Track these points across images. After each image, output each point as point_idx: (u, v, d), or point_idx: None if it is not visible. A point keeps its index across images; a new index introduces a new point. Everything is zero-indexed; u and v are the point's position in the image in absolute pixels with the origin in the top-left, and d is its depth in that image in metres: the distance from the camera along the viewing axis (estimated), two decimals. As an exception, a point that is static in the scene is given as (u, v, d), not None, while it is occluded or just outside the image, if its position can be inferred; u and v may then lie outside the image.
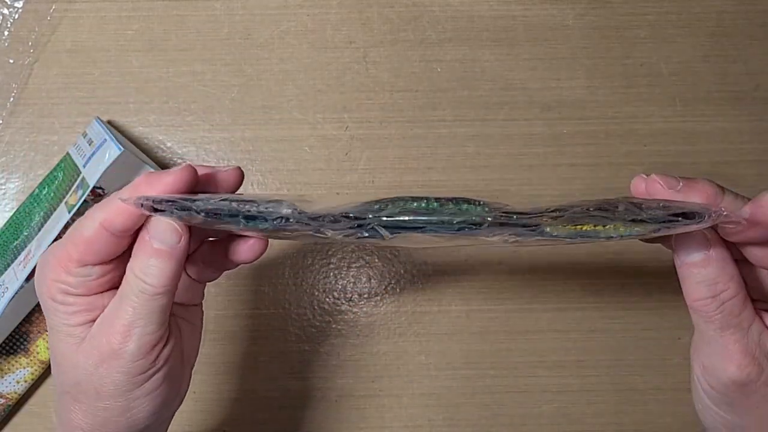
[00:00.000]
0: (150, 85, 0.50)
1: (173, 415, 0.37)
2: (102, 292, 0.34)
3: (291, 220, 0.32)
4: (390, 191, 0.50)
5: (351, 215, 0.32)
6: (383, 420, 0.50)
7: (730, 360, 0.32)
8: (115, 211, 0.32)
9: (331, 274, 0.50)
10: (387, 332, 0.50)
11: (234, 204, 0.32)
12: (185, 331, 0.37)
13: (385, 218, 0.32)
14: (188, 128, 0.50)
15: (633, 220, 0.31)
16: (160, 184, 0.32)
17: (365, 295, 0.50)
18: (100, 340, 0.32)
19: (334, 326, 0.50)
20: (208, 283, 0.38)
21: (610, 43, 0.51)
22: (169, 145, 0.50)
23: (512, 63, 0.51)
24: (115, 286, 0.34)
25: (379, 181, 0.50)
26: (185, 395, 0.36)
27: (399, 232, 0.32)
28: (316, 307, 0.50)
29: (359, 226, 0.32)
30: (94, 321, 0.33)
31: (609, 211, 0.32)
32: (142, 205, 0.32)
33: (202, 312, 0.38)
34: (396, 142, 0.50)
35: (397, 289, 0.50)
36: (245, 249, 0.36)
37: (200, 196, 0.32)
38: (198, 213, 0.31)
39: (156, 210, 0.32)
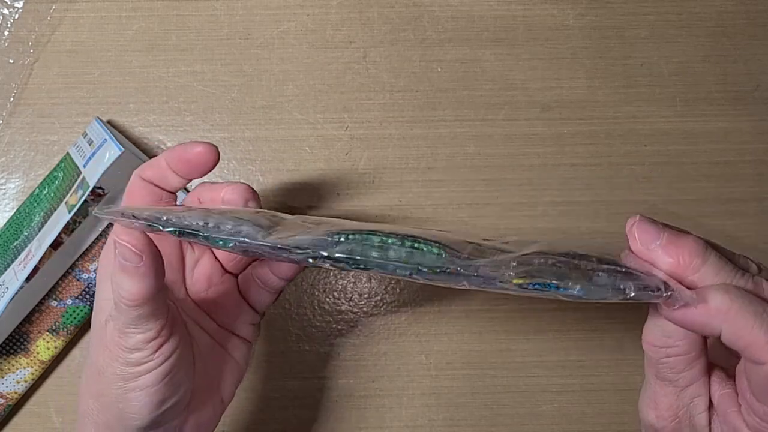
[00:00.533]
0: (150, 85, 0.50)
1: None
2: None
3: (250, 242, 0.32)
4: (390, 191, 0.50)
5: (302, 248, 0.31)
6: (383, 420, 0.50)
7: (654, 408, 0.32)
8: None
9: (331, 274, 0.50)
10: (387, 332, 0.50)
11: (199, 222, 0.32)
12: (221, 360, 0.37)
13: (338, 254, 0.31)
14: (188, 128, 0.50)
15: (589, 280, 0.30)
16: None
17: (365, 295, 0.50)
18: (107, 326, 0.34)
19: (334, 326, 0.50)
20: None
21: (611, 43, 0.51)
22: (169, 145, 0.50)
23: (512, 63, 0.51)
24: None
25: (379, 181, 0.50)
26: (189, 404, 0.36)
27: (355, 267, 0.31)
28: (316, 307, 0.50)
29: (314, 257, 0.32)
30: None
31: (571, 268, 0.30)
32: (122, 215, 0.33)
33: (250, 350, 0.39)
34: (396, 142, 0.50)
35: (397, 289, 0.50)
36: (285, 265, 0.37)
37: (176, 209, 0.33)
38: (164, 229, 0.32)
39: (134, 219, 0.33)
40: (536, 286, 0.30)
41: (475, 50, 0.51)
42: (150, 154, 0.50)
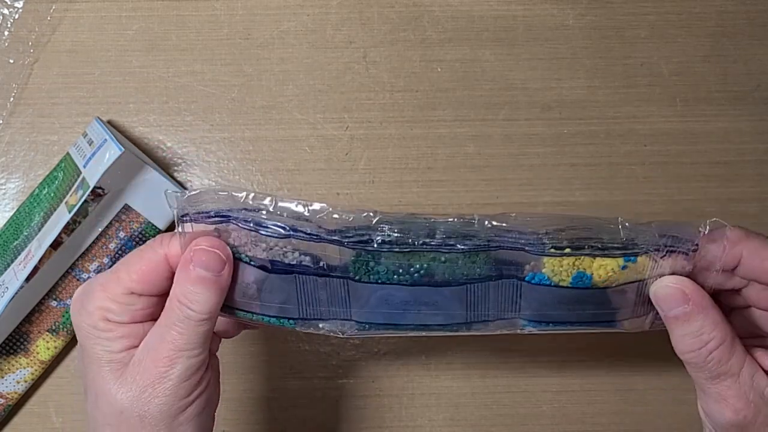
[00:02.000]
0: (150, 85, 0.50)
1: None
2: (143, 322, 0.35)
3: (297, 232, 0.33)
4: (390, 191, 0.50)
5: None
6: (383, 420, 0.50)
7: (726, 405, 0.32)
8: (176, 245, 0.34)
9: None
10: (387, 332, 0.50)
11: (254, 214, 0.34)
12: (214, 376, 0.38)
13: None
14: (188, 128, 0.50)
15: (624, 249, 0.33)
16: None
17: (365, 295, 0.50)
18: (146, 365, 0.33)
19: (334, 326, 0.50)
20: None
21: (611, 43, 0.51)
22: (169, 145, 0.50)
23: (512, 63, 0.51)
24: (155, 317, 0.35)
25: (379, 181, 0.50)
26: None
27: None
28: (316, 307, 0.50)
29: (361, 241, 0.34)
30: (134, 347, 0.34)
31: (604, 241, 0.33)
32: (183, 217, 0.34)
33: (218, 361, 0.39)
34: (396, 142, 0.50)
35: (397, 289, 0.50)
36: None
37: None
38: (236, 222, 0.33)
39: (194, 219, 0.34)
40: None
41: (475, 50, 0.51)
42: (150, 154, 0.50)
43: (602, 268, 0.33)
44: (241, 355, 0.50)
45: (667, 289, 0.33)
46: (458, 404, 0.50)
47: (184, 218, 0.34)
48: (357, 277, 0.34)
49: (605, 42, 0.51)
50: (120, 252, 0.48)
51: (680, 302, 0.33)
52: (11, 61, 0.50)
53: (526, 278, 0.34)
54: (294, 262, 0.34)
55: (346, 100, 0.50)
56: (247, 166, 0.50)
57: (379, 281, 0.34)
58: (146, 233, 0.48)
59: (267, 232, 0.33)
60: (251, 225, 0.33)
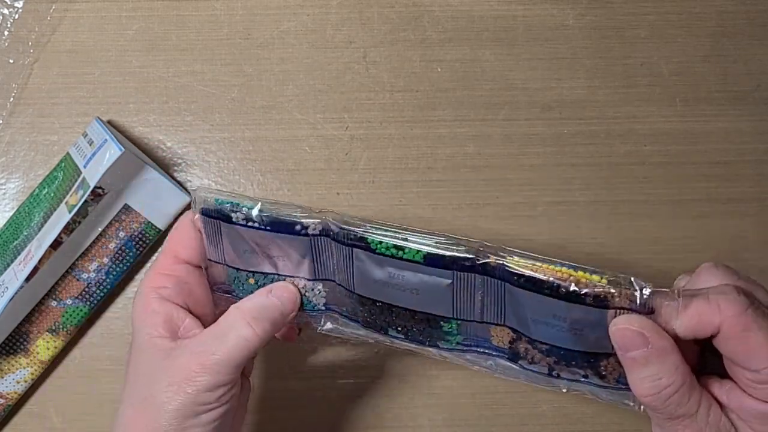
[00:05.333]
0: (150, 85, 0.50)
1: None
2: (182, 308, 0.37)
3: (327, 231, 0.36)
4: (390, 191, 0.50)
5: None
6: (383, 420, 0.50)
7: None
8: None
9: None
10: (387, 332, 0.50)
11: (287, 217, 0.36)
12: (242, 396, 0.39)
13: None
14: (188, 128, 0.50)
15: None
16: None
17: (365, 295, 0.50)
18: (181, 362, 0.35)
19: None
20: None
21: (611, 43, 0.51)
22: (169, 145, 0.50)
23: (512, 63, 0.51)
24: (197, 309, 0.38)
25: (379, 181, 0.50)
26: None
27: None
28: (316, 307, 0.50)
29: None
30: (173, 336, 0.36)
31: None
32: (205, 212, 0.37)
33: (250, 385, 0.41)
34: (396, 142, 0.50)
35: (397, 289, 0.50)
36: (278, 336, 0.41)
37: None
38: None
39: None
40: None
41: (475, 50, 0.51)
42: (150, 154, 0.50)
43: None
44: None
45: (627, 330, 0.31)
46: (458, 404, 0.50)
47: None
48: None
49: (605, 42, 0.51)
50: (120, 252, 0.48)
51: (639, 345, 0.31)
52: (11, 61, 0.50)
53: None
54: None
55: (346, 100, 0.50)
56: (247, 166, 0.50)
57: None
58: (146, 233, 0.48)
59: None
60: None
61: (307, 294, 0.38)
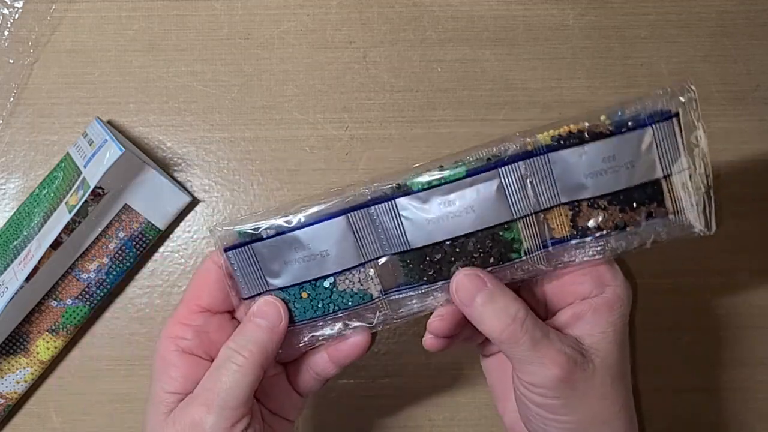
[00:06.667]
0: (150, 85, 0.50)
1: None
2: (205, 360, 0.36)
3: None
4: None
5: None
6: (383, 420, 0.50)
7: (551, 364, 0.35)
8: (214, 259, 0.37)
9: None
10: (387, 332, 0.50)
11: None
12: None
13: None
14: (188, 128, 0.50)
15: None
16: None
17: (365, 295, 0.50)
18: (185, 412, 0.34)
19: (334, 326, 0.50)
20: None
21: (611, 43, 0.51)
22: (169, 145, 0.50)
23: (512, 63, 0.51)
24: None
25: (379, 181, 0.50)
26: None
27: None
28: (316, 307, 0.50)
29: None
30: (185, 395, 0.35)
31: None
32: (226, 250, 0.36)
33: (293, 426, 0.40)
34: (396, 142, 0.50)
35: (397, 289, 0.50)
36: (347, 347, 0.38)
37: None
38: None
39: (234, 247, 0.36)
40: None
41: (475, 50, 0.51)
42: (150, 154, 0.50)
43: None
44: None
45: (466, 277, 0.35)
46: (458, 404, 0.50)
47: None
48: None
49: (605, 42, 0.51)
50: (120, 252, 0.48)
51: (481, 286, 0.35)
52: (11, 61, 0.50)
53: None
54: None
55: (346, 100, 0.50)
56: (247, 166, 0.50)
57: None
58: (146, 233, 0.48)
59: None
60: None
61: (362, 286, 0.37)
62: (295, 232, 0.35)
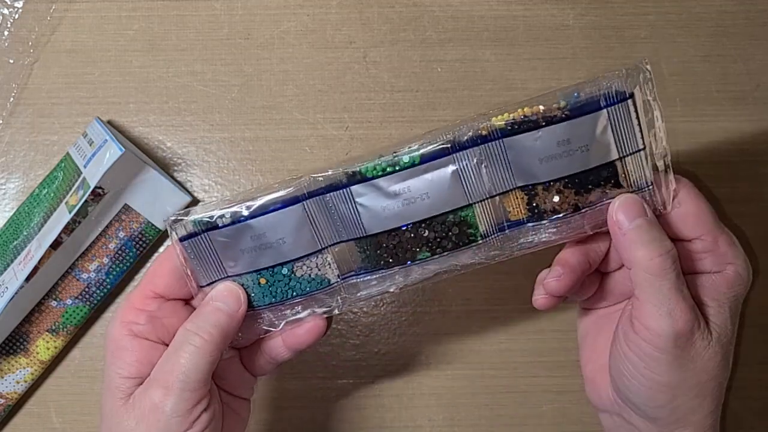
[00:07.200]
0: (150, 85, 0.50)
1: None
2: (158, 344, 0.36)
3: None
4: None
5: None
6: (383, 420, 0.50)
7: (679, 316, 0.34)
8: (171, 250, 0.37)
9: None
10: (387, 332, 0.50)
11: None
12: (230, 420, 0.38)
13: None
14: (188, 128, 0.50)
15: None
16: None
17: (365, 295, 0.50)
18: (143, 396, 0.34)
19: (334, 326, 0.50)
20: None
21: (611, 43, 0.51)
22: (169, 145, 0.50)
23: (513, 63, 0.51)
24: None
25: (379, 181, 0.50)
26: None
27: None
28: (316, 307, 0.50)
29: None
30: (142, 381, 0.35)
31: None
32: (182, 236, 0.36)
33: (250, 407, 0.40)
34: (396, 142, 0.50)
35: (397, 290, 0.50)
36: (302, 332, 0.38)
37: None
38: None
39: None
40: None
41: (475, 50, 0.51)
42: (150, 154, 0.50)
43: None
44: (241, 355, 0.50)
45: (632, 197, 0.35)
46: (458, 404, 0.50)
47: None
48: None
49: (605, 42, 0.51)
50: (120, 252, 0.48)
51: (641, 213, 0.35)
52: (11, 61, 0.50)
53: None
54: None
55: (346, 100, 0.50)
56: (247, 166, 0.50)
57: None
58: (146, 233, 0.48)
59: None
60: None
61: (320, 272, 0.37)
62: (251, 221, 0.35)
